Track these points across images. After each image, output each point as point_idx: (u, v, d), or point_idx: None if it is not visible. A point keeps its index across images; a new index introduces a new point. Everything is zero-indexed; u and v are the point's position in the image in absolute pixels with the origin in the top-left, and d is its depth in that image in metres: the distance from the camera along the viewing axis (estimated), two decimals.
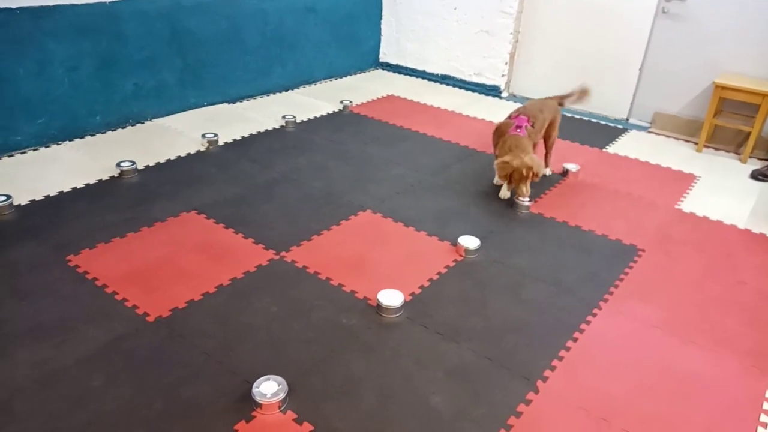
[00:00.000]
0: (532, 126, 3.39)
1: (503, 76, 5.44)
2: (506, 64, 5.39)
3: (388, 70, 6.14)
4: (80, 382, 1.98)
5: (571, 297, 2.60)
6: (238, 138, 4.08)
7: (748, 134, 4.26)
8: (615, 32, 4.86)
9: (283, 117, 4.42)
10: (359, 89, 5.40)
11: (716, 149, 4.50)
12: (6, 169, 3.41)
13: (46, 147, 3.73)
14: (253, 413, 1.90)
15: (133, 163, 3.48)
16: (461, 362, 2.18)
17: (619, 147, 4.42)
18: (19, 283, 2.44)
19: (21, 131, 3.62)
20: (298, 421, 1.88)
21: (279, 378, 1.99)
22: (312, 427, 1.86)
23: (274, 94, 5.11)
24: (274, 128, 4.32)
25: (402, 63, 6.06)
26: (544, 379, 2.12)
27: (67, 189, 3.23)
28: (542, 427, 1.93)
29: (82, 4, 3.67)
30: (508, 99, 5.46)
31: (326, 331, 2.30)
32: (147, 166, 3.56)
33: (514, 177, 3.20)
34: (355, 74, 5.93)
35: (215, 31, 4.50)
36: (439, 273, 2.71)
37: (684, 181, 3.89)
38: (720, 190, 3.77)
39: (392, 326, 2.35)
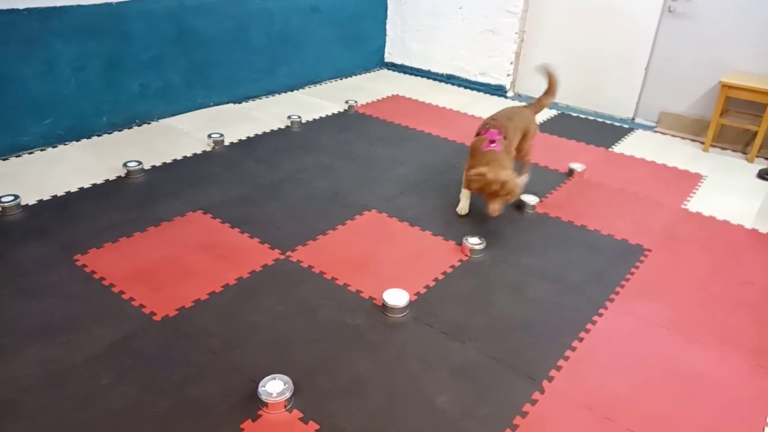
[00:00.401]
0: (505, 138, 3.10)
1: (508, 75, 5.44)
2: (511, 63, 5.38)
3: (393, 70, 6.14)
4: (87, 380, 1.99)
5: (577, 296, 2.60)
6: (243, 138, 4.10)
7: (755, 133, 4.24)
8: (621, 31, 4.84)
9: (289, 117, 4.43)
10: (364, 89, 5.41)
11: (723, 149, 4.48)
12: (14, 169, 3.43)
13: (53, 147, 3.76)
14: (259, 412, 1.91)
15: (140, 163, 3.50)
16: (467, 362, 2.18)
17: (625, 146, 4.40)
18: (27, 282, 2.46)
19: (28, 131, 3.65)
20: (304, 420, 1.89)
21: (285, 377, 2.00)
22: (318, 426, 1.87)
23: (279, 94, 5.13)
24: (280, 128, 4.33)
25: (407, 63, 6.06)
26: (550, 379, 2.11)
27: (74, 189, 3.25)
28: (548, 426, 1.93)
29: (88, 5, 3.69)
30: (513, 98, 5.45)
31: (332, 330, 2.30)
32: (153, 166, 3.57)
33: (485, 191, 2.91)
34: (360, 74, 5.93)
35: (221, 31, 4.52)
36: (444, 272, 2.72)
37: (690, 180, 3.87)
38: (726, 190, 3.75)
39: (397, 326, 2.35)
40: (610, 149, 4.34)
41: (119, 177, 3.42)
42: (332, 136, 4.24)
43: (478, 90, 5.59)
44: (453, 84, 5.75)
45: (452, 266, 2.77)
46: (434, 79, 5.87)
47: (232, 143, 4.00)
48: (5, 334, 2.16)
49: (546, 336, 2.34)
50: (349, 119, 4.63)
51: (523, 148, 3.35)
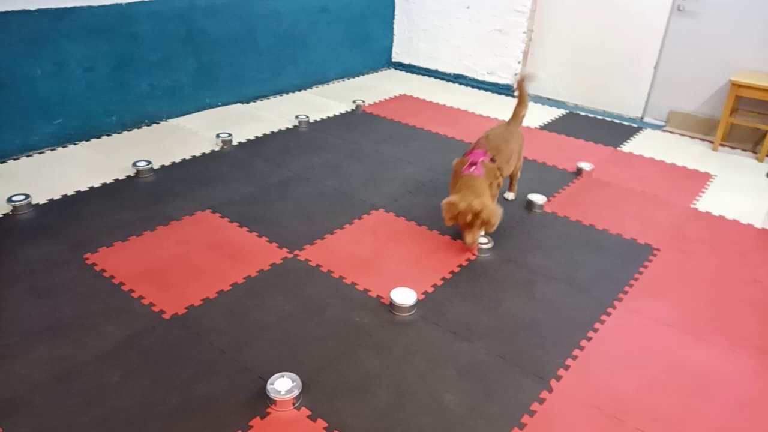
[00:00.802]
0: (492, 160, 2.88)
1: (516, 74, 5.42)
2: (519, 62, 5.37)
3: (401, 70, 6.14)
4: (98, 378, 2.00)
5: (585, 296, 2.59)
6: (251, 138, 4.11)
7: (765, 133, 4.21)
8: (629, 30, 4.82)
9: (296, 117, 4.45)
10: (372, 89, 5.41)
11: (732, 148, 4.45)
12: (24, 169, 3.47)
13: (63, 147, 3.79)
14: (268, 410, 1.91)
15: (149, 162, 3.52)
16: (474, 361, 2.18)
17: (634, 146, 4.39)
18: (37, 280, 2.48)
19: (38, 131, 3.68)
20: (312, 418, 1.90)
21: (293, 375, 2.00)
22: (326, 424, 1.88)
23: (287, 94, 5.14)
24: (288, 128, 4.34)
25: (414, 62, 6.06)
26: (558, 378, 2.11)
27: (84, 188, 3.28)
28: (556, 425, 1.92)
29: (98, 6, 3.71)
30: None
31: (339, 329, 2.31)
32: (162, 166, 3.60)
33: (458, 221, 2.73)
34: (368, 74, 5.94)
35: (229, 31, 4.53)
36: (451, 272, 2.72)
37: (699, 179, 3.85)
38: (736, 189, 3.73)
39: (405, 325, 2.35)
40: (618, 148, 4.32)
41: (128, 176, 3.44)
42: (339, 136, 4.25)
43: (486, 89, 5.59)
44: (460, 83, 5.74)
45: (460, 266, 2.77)
46: (441, 79, 5.87)
47: (240, 143, 4.02)
48: (16, 332, 2.18)
49: (554, 335, 2.34)
50: (357, 119, 4.63)
51: (516, 166, 3.24)
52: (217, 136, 3.97)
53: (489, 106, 5.08)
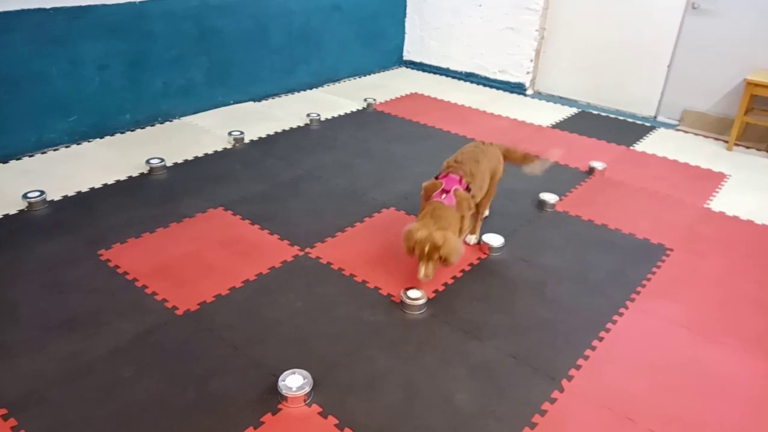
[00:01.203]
0: (468, 189, 2.58)
1: (528, 73, 5.40)
2: (531, 61, 5.35)
3: (412, 68, 6.14)
4: (112, 373, 2.03)
5: (597, 296, 2.58)
6: (263, 136, 4.13)
7: None
8: (643, 28, 4.79)
9: (308, 115, 4.46)
10: (383, 87, 5.41)
11: (747, 147, 4.40)
12: (39, 166, 3.51)
13: (78, 144, 3.83)
14: (279, 406, 1.93)
15: (162, 160, 3.55)
16: (485, 360, 2.18)
17: (647, 145, 4.35)
18: (52, 276, 2.51)
19: (54, 128, 3.72)
20: (323, 415, 1.91)
21: (304, 372, 2.02)
22: (336, 421, 1.88)
23: (298, 92, 5.16)
24: (299, 126, 4.36)
25: (426, 61, 6.06)
26: (569, 378, 2.10)
27: (98, 185, 3.31)
28: (567, 425, 1.92)
29: (113, 4, 3.75)
30: (532, 96, 5.42)
31: (350, 326, 2.32)
32: (175, 163, 3.62)
33: (415, 252, 2.41)
34: (379, 72, 5.94)
35: (242, 30, 4.56)
36: (462, 270, 2.71)
37: (713, 179, 3.82)
38: (750, 189, 3.69)
39: (416, 323, 2.36)
40: (631, 147, 4.29)
41: (142, 174, 3.47)
42: (350, 134, 4.26)
43: (497, 88, 5.57)
44: (472, 82, 5.73)
45: (471, 264, 2.76)
46: (453, 77, 5.85)
47: (252, 141, 4.04)
48: (31, 327, 2.21)
49: (565, 335, 2.33)
50: (368, 117, 4.64)
51: (489, 192, 2.86)
52: (230, 134, 3.99)
53: (500, 105, 5.06)
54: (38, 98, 3.59)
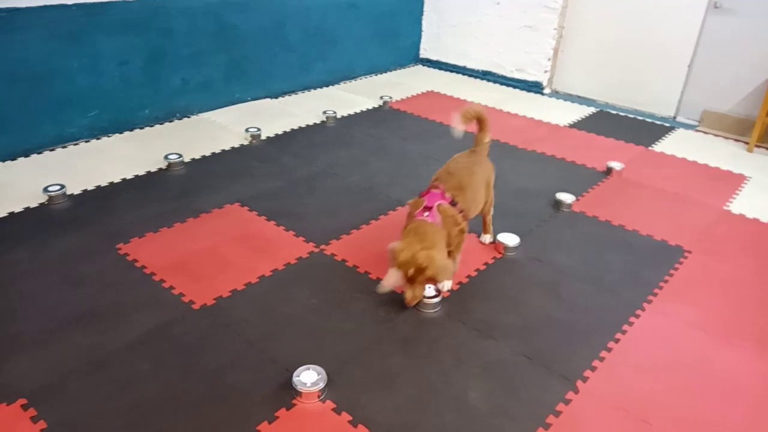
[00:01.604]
0: (453, 203, 2.40)
1: (546, 72, 5.36)
2: (549, 59, 5.31)
3: (429, 66, 6.12)
4: (129, 366, 2.05)
5: (613, 297, 2.56)
6: (280, 132, 4.15)
7: None
8: (663, 27, 4.73)
9: (324, 112, 4.47)
10: (399, 85, 5.41)
11: None
12: (60, 160, 3.56)
13: (98, 139, 3.87)
14: (294, 401, 1.94)
15: (180, 155, 3.58)
16: (499, 359, 2.17)
17: (666, 145, 4.30)
18: (71, 269, 2.55)
19: (74, 123, 3.77)
20: (337, 411, 1.92)
21: (318, 368, 2.02)
22: (350, 417, 1.89)
23: (315, 89, 5.17)
24: (315, 123, 4.37)
25: (442, 59, 6.04)
26: (584, 379, 2.09)
27: (117, 180, 3.35)
28: (582, 426, 1.91)
29: (132, 1, 3.78)
30: (550, 95, 5.38)
31: (365, 323, 2.32)
32: (193, 159, 3.66)
33: (401, 273, 2.24)
34: (395, 70, 5.94)
35: (259, 27, 4.58)
36: (477, 270, 2.71)
37: (733, 181, 3.76)
38: None
39: (430, 321, 2.36)
40: (649, 148, 4.24)
41: (160, 169, 3.51)
42: (366, 132, 4.26)
43: (515, 86, 5.54)
44: (489, 80, 5.70)
45: (486, 263, 2.76)
46: (469, 75, 5.83)
47: (268, 137, 4.06)
48: (50, 319, 2.25)
49: (580, 336, 2.31)
50: (384, 115, 4.64)
51: (487, 200, 2.75)
52: (246, 130, 4.02)
53: (517, 104, 5.04)
54: (59, 93, 3.64)
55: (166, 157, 3.54)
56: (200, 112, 4.42)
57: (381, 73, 5.79)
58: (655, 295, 2.59)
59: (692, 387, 2.10)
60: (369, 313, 2.38)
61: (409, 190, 3.41)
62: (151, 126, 4.13)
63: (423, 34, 6.10)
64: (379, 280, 2.58)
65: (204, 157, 3.71)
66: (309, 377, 1.98)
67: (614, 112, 5.01)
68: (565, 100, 5.27)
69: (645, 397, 2.04)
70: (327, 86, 5.27)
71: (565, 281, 2.65)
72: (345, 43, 5.32)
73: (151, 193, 3.22)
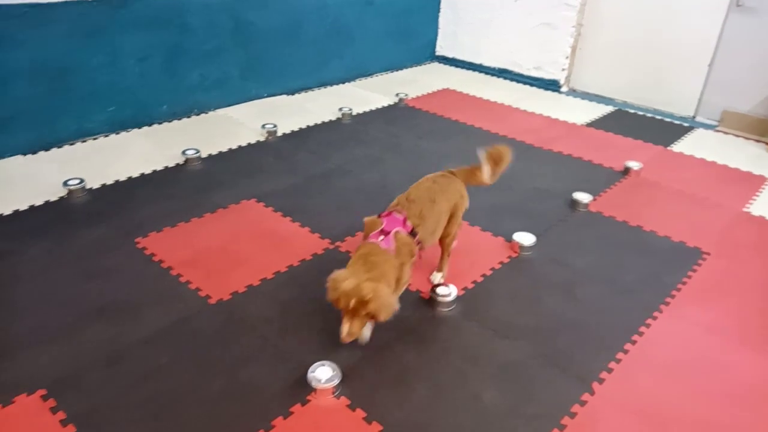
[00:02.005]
0: (413, 233, 2.20)
1: (563, 70, 5.32)
2: (567, 58, 5.27)
3: (445, 64, 6.10)
4: (146, 359, 2.08)
5: (630, 299, 2.54)
6: (296, 129, 4.16)
7: None
8: (684, 25, 4.66)
9: (340, 109, 4.48)
10: (415, 82, 5.40)
11: None
12: (79, 154, 3.60)
13: (116, 134, 3.92)
14: (308, 397, 1.95)
15: (198, 151, 3.61)
16: (514, 359, 2.17)
17: (685, 145, 4.25)
18: (90, 263, 2.58)
19: (93, 118, 3.81)
20: (351, 407, 1.92)
21: (333, 364, 2.03)
22: (364, 414, 1.90)
23: (331, 86, 5.18)
24: (331, 120, 4.38)
25: (459, 56, 6.01)
26: (600, 381, 2.08)
27: (135, 174, 3.38)
28: (597, 428, 1.90)
29: None
30: (567, 94, 5.34)
31: (379, 321, 2.32)
32: (210, 155, 3.68)
33: (339, 304, 2.00)
34: (411, 67, 5.93)
35: (276, 24, 4.59)
36: (492, 269, 2.70)
37: (753, 182, 3.71)
38: None
39: (445, 320, 2.36)
40: (668, 148, 4.20)
41: (178, 164, 3.54)
42: (382, 129, 4.26)
43: (531, 85, 5.50)
44: (505, 78, 5.67)
45: (501, 263, 2.75)
46: (486, 73, 5.80)
47: (284, 134, 4.07)
48: (69, 312, 2.28)
49: (597, 337, 2.30)
50: (399, 112, 4.63)
51: (449, 232, 2.47)
52: (263, 127, 4.03)
53: (534, 103, 5.00)
54: (79, 89, 3.68)
55: (183, 153, 3.57)
56: (217, 108, 4.45)
57: (397, 71, 5.78)
58: (673, 297, 2.56)
59: (709, 391, 2.07)
60: None
61: None
62: (169, 121, 4.17)
63: (439, 31, 6.07)
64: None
65: (221, 152, 3.73)
66: (324, 373, 1.99)
67: (632, 111, 4.96)
68: (583, 98, 5.22)
69: (661, 400, 2.02)
70: (343, 83, 5.27)
71: (582, 282, 2.64)
72: (361, 41, 5.32)
73: (169, 189, 3.25)
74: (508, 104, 4.92)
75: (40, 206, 3.01)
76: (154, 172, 3.43)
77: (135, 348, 2.12)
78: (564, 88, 5.42)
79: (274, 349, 2.15)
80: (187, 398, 1.93)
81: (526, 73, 5.56)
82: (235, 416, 1.87)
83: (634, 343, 2.27)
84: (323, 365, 2.03)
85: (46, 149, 3.62)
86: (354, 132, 4.19)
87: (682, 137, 4.41)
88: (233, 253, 2.70)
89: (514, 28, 5.49)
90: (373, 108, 4.68)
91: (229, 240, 2.80)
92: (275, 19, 4.57)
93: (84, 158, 3.55)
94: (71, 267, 2.54)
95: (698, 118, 4.83)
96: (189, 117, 4.27)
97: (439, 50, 6.15)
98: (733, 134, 4.55)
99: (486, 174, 2.50)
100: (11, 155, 3.49)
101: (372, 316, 1.98)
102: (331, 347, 2.17)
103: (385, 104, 4.79)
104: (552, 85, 5.41)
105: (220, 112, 4.41)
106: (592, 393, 2.03)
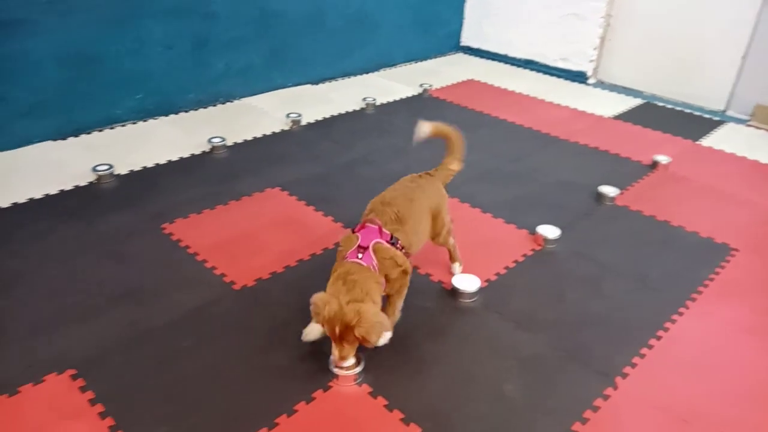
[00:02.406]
0: (392, 241, 2.03)
1: (591, 61, 5.24)
2: (595, 49, 5.18)
3: (470, 54, 6.05)
4: (170, 342, 2.11)
5: (656, 294, 2.50)
6: (320, 119, 4.17)
7: None
8: (717, 17, 4.55)
9: (364, 99, 4.47)
10: (439, 73, 5.36)
11: None
12: (108, 140, 3.66)
13: (144, 121, 3.97)
14: (330, 383, 1.96)
15: (223, 139, 3.64)
16: (536, 352, 2.15)
17: (714, 140, 4.16)
18: (117, 247, 2.63)
19: (121, 105, 3.87)
20: (373, 395, 1.93)
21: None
22: (386, 402, 1.91)
23: (354, 76, 5.17)
24: (355, 110, 4.38)
25: (484, 47, 5.96)
26: (624, 376, 2.06)
27: (162, 161, 3.43)
28: (620, 422, 1.88)
29: None
30: (594, 86, 5.26)
31: (401, 311, 2.32)
32: (235, 143, 3.71)
33: (326, 330, 1.91)
34: (436, 58, 5.89)
35: (300, 13, 4.59)
36: (515, 261, 2.68)
37: None
38: None
39: (467, 311, 2.35)
40: (697, 142, 4.11)
41: (204, 152, 3.58)
42: (405, 119, 4.24)
43: (558, 76, 5.43)
44: (531, 69, 5.60)
45: (524, 255, 2.73)
46: (511, 64, 5.74)
47: (309, 123, 4.08)
48: (95, 295, 2.33)
49: (621, 333, 2.27)
50: (423, 103, 4.61)
51: (438, 232, 2.35)
52: (287, 116, 4.05)
53: (561, 95, 4.93)
54: (108, 76, 3.73)
55: (209, 141, 3.61)
56: (242, 96, 4.48)
57: (421, 61, 5.74)
58: (700, 293, 2.52)
59: (735, 390, 2.04)
60: (406, 299, 2.37)
61: None
62: (195, 110, 4.21)
63: (464, 21, 6.01)
64: (416, 268, 2.58)
65: (246, 141, 3.76)
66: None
67: (661, 104, 4.87)
68: (611, 90, 5.14)
69: (685, 397, 1.99)
70: (367, 73, 5.26)
71: (607, 276, 2.61)
72: (385, 30, 5.30)
73: (195, 176, 3.28)
74: (534, 96, 4.86)
75: (69, 191, 3.07)
76: (181, 159, 3.47)
77: (160, 331, 2.16)
78: (591, 80, 5.33)
79: (296, 335, 2.17)
80: (211, 382, 1.96)
81: (552, 64, 5.48)
82: (258, 400, 1.89)
83: (659, 339, 2.25)
84: None
85: (76, 135, 3.69)
86: (378, 122, 4.18)
87: (712, 131, 4.32)
88: (257, 240, 2.73)
89: (541, 19, 5.41)
90: (397, 98, 4.67)
91: (253, 227, 2.83)
92: (300, 8, 4.57)
93: (112, 145, 3.61)
94: (99, 250, 2.59)
95: (729, 112, 4.72)
96: (214, 105, 4.31)
97: (464, 40, 6.09)
98: (765, 129, 4.44)
99: (454, 161, 2.52)
100: (41, 141, 3.56)
101: (360, 339, 1.84)
102: None
103: (409, 95, 4.77)
104: (579, 77, 5.33)
105: (245, 101, 4.44)
106: (615, 388, 2.01)
